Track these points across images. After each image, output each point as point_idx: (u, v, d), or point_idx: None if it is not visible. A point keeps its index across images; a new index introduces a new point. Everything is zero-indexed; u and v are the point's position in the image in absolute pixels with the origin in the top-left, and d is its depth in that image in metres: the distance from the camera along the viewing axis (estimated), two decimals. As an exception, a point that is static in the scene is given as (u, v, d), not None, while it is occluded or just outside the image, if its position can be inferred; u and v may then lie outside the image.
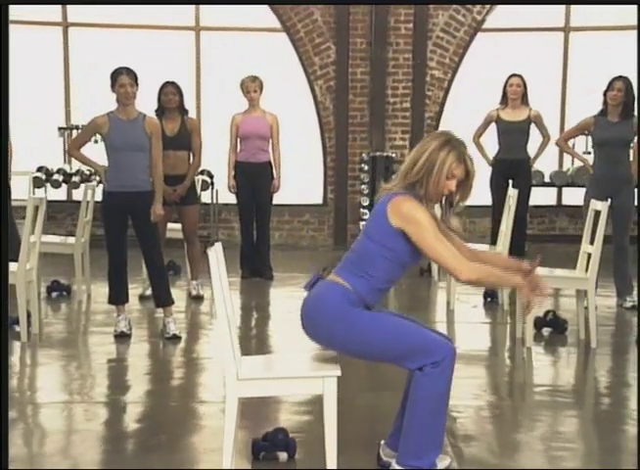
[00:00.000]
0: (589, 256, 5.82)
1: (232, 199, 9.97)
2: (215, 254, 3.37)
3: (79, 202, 7.79)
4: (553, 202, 10.65)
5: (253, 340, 6.28)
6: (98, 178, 9.18)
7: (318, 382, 3.33)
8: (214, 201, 10.10)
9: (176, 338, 5.98)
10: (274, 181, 8.17)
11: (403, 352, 3.37)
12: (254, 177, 8.10)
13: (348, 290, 3.41)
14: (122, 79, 5.81)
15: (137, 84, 5.91)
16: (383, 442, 3.66)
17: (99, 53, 10.17)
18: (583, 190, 9.94)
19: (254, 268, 8.31)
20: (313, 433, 3.89)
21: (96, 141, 6.24)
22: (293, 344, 6.09)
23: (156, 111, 7.11)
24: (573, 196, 10.48)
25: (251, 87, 7.98)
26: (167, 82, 7.21)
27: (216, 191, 10.05)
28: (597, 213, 5.88)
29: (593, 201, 6.08)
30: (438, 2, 10.19)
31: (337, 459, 3.41)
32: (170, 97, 7.11)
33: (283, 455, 3.73)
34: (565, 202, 10.67)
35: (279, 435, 3.74)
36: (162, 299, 6.05)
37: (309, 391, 3.42)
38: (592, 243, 5.80)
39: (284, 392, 3.43)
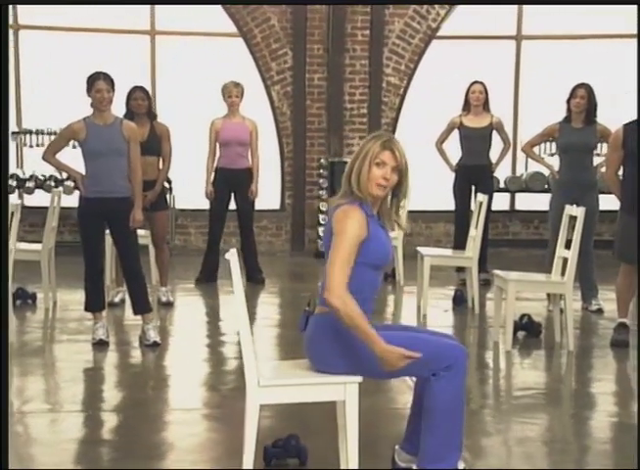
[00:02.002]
0: (565, 260, 5.95)
1: (189, 204, 10.00)
2: (234, 259, 3.35)
3: (33, 207, 7.72)
4: (507, 207, 10.83)
5: (232, 346, 6.23)
6: (73, 183, 9.02)
7: (340, 388, 3.33)
8: (172, 206, 9.98)
9: (156, 345, 5.90)
10: (252, 187, 8.15)
11: (417, 363, 3.36)
12: (235, 184, 8.10)
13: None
14: (99, 85, 5.72)
15: (114, 90, 5.83)
16: (397, 446, 3.67)
17: (51, 56, 10.00)
18: (537, 195, 10.29)
19: (213, 275, 8.28)
20: (325, 439, 3.89)
21: (73, 146, 6.14)
22: (271, 351, 6.14)
23: (124, 116, 7.00)
24: (527, 201, 10.72)
25: (234, 92, 7.97)
26: (136, 87, 7.13)
27: (174, 196, 9.95)
28: (571, 218, 6.02)
29: (568, 206, 6.20)
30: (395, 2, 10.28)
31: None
32: (140, 102, 7.04)
33: (294, 462, 3.72)
34: (518, 207, 10.86)
35: (291, 441, 3.73)
36: (141, 306, 5.97)
37: (331, 397, 3.40)
38: (567, 247, 5.93)
39: (305, 398, 3.41)
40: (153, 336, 5.91)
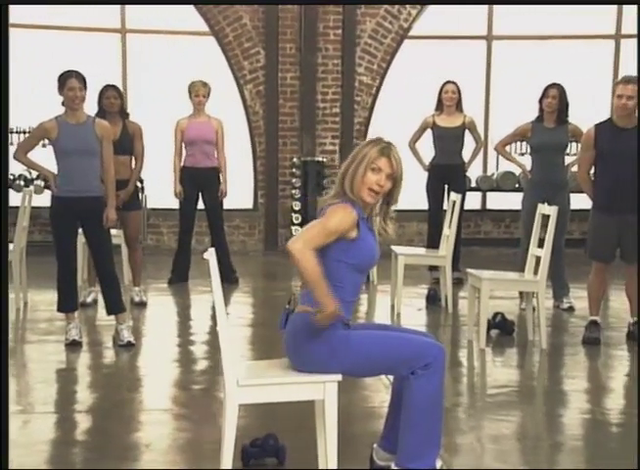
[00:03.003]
0: (537, 259, 5.99)
1: (161, 204, 9.94)
2: (212, 258, 3.34)
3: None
4: (478, 206, 10.88)
5: (202, 346, 6.21)
6: (44, 183, 8.93)
7: (319, 387, 3.33)
8: (144, 206, 9.93)
9: (131, 345, 5.87)
10: (221, 186, 8.13)
11: (396, 362, 3.39)
12: (202, 183, 8.08)
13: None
14: (72, 83, 5.67)
15: (86, 88, 5.78)
16: (375, 445, 3.67)
17: (22, 55, 9.89)
18: (508, 194, 10.36)
19: (184, 275, 8.26)
20: (303, 438, 3.89)
21: (44, 145, 6.08)
22: (243, 350, 6.12)
23: (96, 115, 6.93)
24: (498, 200, 10.79)
25: (201, 91, 7.95)
26: (108, 85, 7.08)
27: (145, 196, 9.90)
28: (544, 217, 6.07)
29: (540, 205, 6.25)
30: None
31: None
32: (112, 101, 6.99)
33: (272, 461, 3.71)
34: (489, 206, 10.92)
35: (269, 440, 3.72)
36: (115, 306, 5.93)
37: (310, 396, 3.40)
38: (540, 246, 5.97)
39: (284, 397, 3.41)
40: (127, 336, 5.87)
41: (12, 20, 9.91)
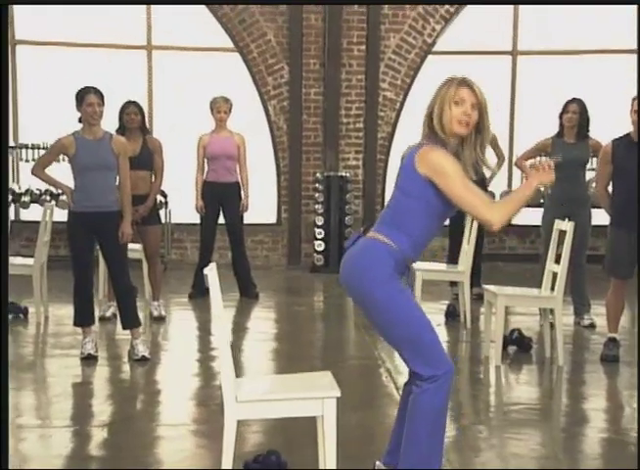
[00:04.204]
0: (554, 274, 5.93)
1: (185, 219, 10.00)
2: (212, 274, 3.35)
3: (28, 222, 7.74)
4: (502, 221, 10.79)
5: (218, 361, 6.19)
6: (54, 202, 9.06)
7: (317, 403, 3.32)
8: (168, 220, 10.02)
9: (145, 360, 5.90)
10: (242, 201, 8.17)
11: (415, 344, 3.39)
12: (223, 198, 8.12)
13: (391, 247, 3.41)
14: (90, 98, 5.74)
15: (104, 104, 5.85)
16: (378, 462, 3.66)
17: (48, 72, 10.04)
18: (532, 210, 10.27)
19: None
20: (306, 455, 3.88)
21: (62, 160, 6.15)
22: (262, 365, 6.12)
23: (117, 130, 7.03)
24: (523, 216, 10.68)
25: (223, 108, 8.01)
26: (129, 102, 7.15)
27: (170, 211, 9.99)
28: (561, 233, 6.01)
29: (557, 220, 6.19)
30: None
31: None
32: (132, 117, 7.06)
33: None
34: (514, 221, 10.80)
35: (271, 457, 3.72)
36: (130, 320, 5.97)
37: (309, 412, 3.40)
38: (557, 262, 5.91)
39: (283, 414, 3.41)
40: (141, 350, 5.91)
41: (40, 37, 10.14)
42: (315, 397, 3.33)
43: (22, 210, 10.02)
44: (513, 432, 4.63)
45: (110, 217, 5.83)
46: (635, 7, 9.80)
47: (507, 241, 10.76)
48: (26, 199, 9.68)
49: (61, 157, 6.12)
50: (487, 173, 8.31)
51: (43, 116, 10.06)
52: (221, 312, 3.43)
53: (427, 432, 3.37)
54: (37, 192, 9.69)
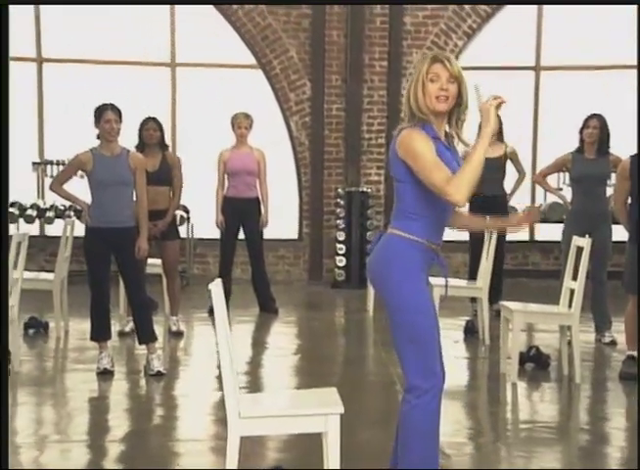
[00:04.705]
0: (572, 291, 5.88)
1: (208, 234, 10.04)
2: (217, 290, 3.36)
3: (53, 237, 7.81)
4: (526, 237, 10.76)
5: (241, 377, 6.21)
6: (75, 215, 9.14)
7: (321, 420, 3.32)
8: (190, 235, 10.08)
9: (160, 375, 5.92)
10: (262, 217, 8.20)
11: (415, 346, 3.39)
12: (243, 213, 8.16)
13: (407, 238, 3.41)
14: (108, 115, 5.80)
15: (121, 121, 5.91)
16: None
17: (74, 89, 10.15)
18: (556, 226, 10.20)
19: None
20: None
21: (81, 176, 6.21)
22: (281, 381, 6.11)
23: (136, 146, 7.09)
24: (546, 231, 10.64)
25: (244, 123, 8.06)
26: (148, 118, 7.22)
27: (192, 226, 10.04)
28: (579, 249, 5.96)
29: (575, 237, 6.15)
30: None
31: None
32: (151, 132, 7.12)
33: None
34: (537, 237, 10.78)
35: (277, 473, 3.71)
36: (146, 335, 6.00)
37: (312, 429, 3.39)
38: (574, 279, 5.86)
39: (286, 430, 3.41)
40: (157, 366, 5.93)
41: (66, 55, 10.26)
42: (319, 413, 3.32)
43: (46, 225, 10.11)
44: (530, 450, 4.59)
45: (126, 233, 5.87)
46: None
47: (530, 257, 10.69)
48: (51, 214, 9.78)
49: (79, 173, 6.16)
50: (507, 190, 8.36)
51: (68, 132, 10.17)
52: (226, 328, 3.41)
53: (420, 443, 3.38)
54: (62, 207, 9.79)
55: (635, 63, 10.25)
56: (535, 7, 10.50)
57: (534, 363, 6.27)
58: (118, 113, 5.87)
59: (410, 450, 3.41)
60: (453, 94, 3.39)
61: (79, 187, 6.30)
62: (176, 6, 10.32)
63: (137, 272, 5.95)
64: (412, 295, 3.41)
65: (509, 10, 10.46)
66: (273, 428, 3.38)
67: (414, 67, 3.48)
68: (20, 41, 10.22)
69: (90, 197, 5.94)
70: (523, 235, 10.69)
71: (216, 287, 3.37)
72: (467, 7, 10.42)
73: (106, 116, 5.79)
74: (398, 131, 3.45)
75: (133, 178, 5.90)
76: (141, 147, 7.11)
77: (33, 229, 10.19)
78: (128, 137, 7.07)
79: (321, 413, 3.32)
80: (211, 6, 10.23)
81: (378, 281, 3.50)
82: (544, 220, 10.33)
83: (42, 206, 9.89)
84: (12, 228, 9.47)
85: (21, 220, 9.78)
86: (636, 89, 8.92)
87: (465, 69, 10.53)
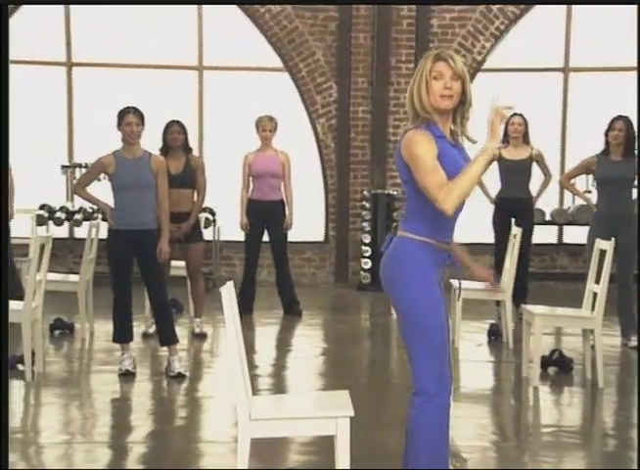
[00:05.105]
0: (595, 294, 5.82)
1: (234, 236, 10.07)
2: (228, 292, 3.37)
3: (81, 239, 7.88)
4: (554, 240, 10.67)
5: (264, 379, 6.24)
6: (101, 216, 9.22)
7: (331, 422, 3.31)
8: (216, 238, 10.13)
9: (181, 376, 5.95)
10: (286, 219, 8.22)
11: (424, 346, 3.38)
12: (267, 216, 8.19)
13: (416, 239, 3.41)
14: (129, 118, 5.86)
15: (143, 124, 5.95)
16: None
17: (102, 92, 10.24)
18: (585, 228, 10.10)
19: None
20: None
21: (104, 178, 6.26)
22: (304, 383, 6.11)
23: (160, 149, 7.14)
24: (575, 234, 10.53)
25: (268, 126, 8.09)
26: (172, 121, 7.26)
27: (218, 228, 10.09)
28: (602, 252, 5.90)
29: (598, 240, 6.09)
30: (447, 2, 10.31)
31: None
32: (175, 136, 7.16)
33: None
34: (566, 240, 10.69)
35: (290, 475, 3.72)
36: (167, 337, 6.03)
37: (322, 431, 3.39)
38: (597, 282, 5.80)
39: (296, 432, 3.42)
40: (177, 367, 5.96)
41: (95, 59, 10.37)
42: (328, 416, 3.32)
43: (75, 227, 10.21)
44: (553, 455, 4.57)
45: (148, 235, 5.91)
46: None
47: (558, 260, 10.60)
48: (79, 217, 9.87)
49: (102, 175, 6.21)
50: (533, 192, 8.29)
51: (97, 136, 10.26)
52: (238, 330, 3.42)
53: (428, 449, 3.37)
54: (90, 210, 9.87)
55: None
56: (564, 8, 10.40)
57: (558, 367, 6.22)
58: (140, 116, 5.92)
59: (419, 454, 3.40)
60: (457, 92, 3.38)
61: (103, 190, 6.36)
62: (204, 10, 10.37)
63: (158, 274, 5.99)
64: (423, 296, 3.39)
65: (537, 11, 10.39)
66: (283, 430, 3.39)
67: (417, 67, 3.47)
68: (50, 46, 10.37)
69: (113, 199, 5.99)
70: (550, 237, 10.63)
71: (227, 289, 3.37)
72: (495, 9, 10.36)
73: (127, 119, 5.84)
74: (403, 132, 3.44)
75: (155, 181, 5.94)
76: (165, 150, 7.16)
77: (62, 232, 10.32)
78: (150, 140, 7.15)
79: (331, 416, 3.31)
80: (239, 9, 10.27)
81: (389, 283, 3.49)
82: (572, 223, 10.26)
83: (71, 208, 9.99)
84: (41, 230, 9.60)
85: (50, 223, 9.87)
86: (636, 90, 8.81)
87: (493, 70, 10.56)
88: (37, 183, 9.99)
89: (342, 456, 3.32)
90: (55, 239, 9.86)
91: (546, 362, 6.12)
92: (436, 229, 3.43)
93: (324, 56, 10.35)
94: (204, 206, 9.52)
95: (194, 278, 7.40)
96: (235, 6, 10.25)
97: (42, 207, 9.92)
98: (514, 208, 8.18)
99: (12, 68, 10.28)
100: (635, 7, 9.57)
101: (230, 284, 3.47)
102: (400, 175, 3.50)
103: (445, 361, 3.46)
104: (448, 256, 3.50)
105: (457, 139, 3.49)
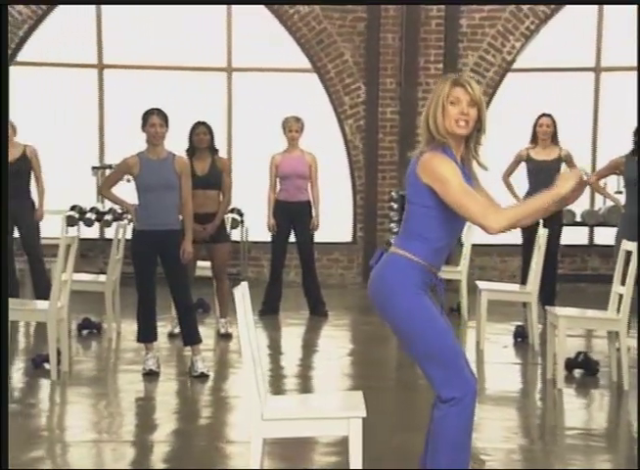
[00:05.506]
0: (621, 296, 5.76)
1: (262, 237, 10.10)
2: (241, 292, 3.38)
3: (111, 240, 7.96)
4: (585, 241, 10.56)
5: (291, 379, 6.25)
6: (129, 217, 9.29)
7: (343, 423, 3.31)
8: (244, 239, 10.16)
9: (204, 376, 5.98)
10: (313, 220, 8.23)
11: (436, 361, 3.37)
12: (294, 216, 8.21)
13: (409, 259, 3.41)
14: (153, 119, 5.90)
15: (167, 125, 5.99)
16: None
17: (133, 94, 10.32)
18: (614, 230, 9.99)
19: (275, 307, 8.34)
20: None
21: (128, 180, 6.31)
22: (330, 384, 6.11)
23: (187, 150, 7.19)
24: (606, 235, 10.41)
25: (294, 127, 8.11)
26: (199, 122, 7.30)
27: (246, 229, 10.12)
28: (628, 254, 5.83)
29: (624, 241, 6.02)
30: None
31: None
32: (201, 137, 7.20)
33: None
34: (597, 241, 10.57)
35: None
36: (190, 337, 6.06)
37: (334, 432, 3.40)
38: (623, 283, 5.73)
39: (309, 433, 3.42)
40: (200, 367, 5.99)
41: (126, 61, 10.46)
42: (341, 416, 3.32)
43: (105, 228, 10.30)
44: (578, 458, 4.53)
45: (171, 236, 5.95)
46: None
47: (589, 261, 10.49)
48: (109, 217, 9.95)
49: (126, 177, 6.27)
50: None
51: (128, 137, 10.34)
52: (251, 329, 3.43)
53: (450, 456, 3.35)
54: (120, 211, 9.95)
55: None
56: (596, 7, 10.30)
57: (583, 369, 6.16)
58: (164, 117, 5.96)
59: (441, 454, 3.39)
60: (473, 118, 3.38)
61: (128, 190, 6.42)
62: (233, 11, 10.42)
63: (182, 275, 6.02)
64: (416, 308, 3.39)
65: (568, 10, 10.29)
66: (295, 430, 3.39)
67: (434, 90, 3.47)
68: (81, 48, 10.48)
69: (137, 200, 6.04)
70: (581, 238, 10.52)
71: (241, 290, 3.38)
72: (525, 8, 10.28)
73: (151, 120, 5.89)
74: (419, 154, 3.43)
75: (178, 182, 5.97)
76: (191, 151, 7.20)
77: (93, 232, 10.42)
78: (183, 141, 7.21)
79: (343, 417, 3.31)
80: (267, 11, 10.30)
81: (379, 302, 3.48)
82: (603, 224, 10.14)
83: (101, 209, 10.07)
84: (72, 231, 9.70)
85: (80, 224, 9.96)
86: (636, 90, 8.69)
87: (523, 70, 10.49)
88: (68, 184, 10.07)
89: (355, 457, 3.32)
90: (86, 240, 10.12)
91: (571, 365, 6.07)
92: (433, 253, 3.44)
93: (352, 57, 10.35)
94: (231, 207, 9.61)
95: (219, 278, 7.43)
96: (263, 7, 10.27)
97: (73, 207, 10.02)
98: (542, 208, 8.09)
99: (44, 70, 10.47)
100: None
101: (244, 285, 3.48)
102: (411, 197, 3.45)
103: (463, 365, 3.44)
104: (435, 278, 3.50)
105: (467, 164, 3.48)
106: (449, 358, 3.38)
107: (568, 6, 10.25)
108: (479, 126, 3.42)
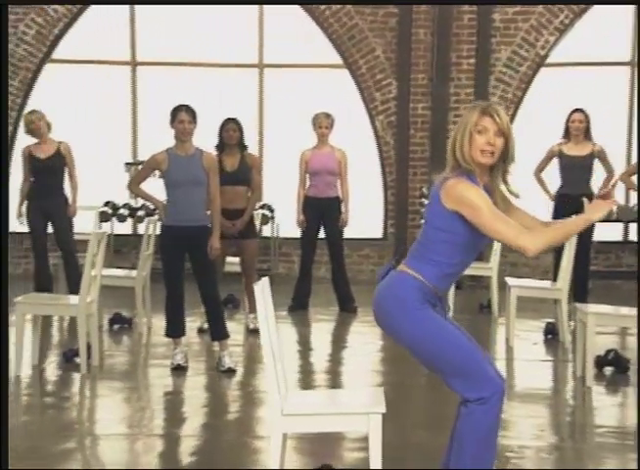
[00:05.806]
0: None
1: (293, 233, 10.12)
2: (262, 288, 3.39)
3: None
4: (619, 237, 10.45)
5: (320, 375, 6.26)
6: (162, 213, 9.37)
7: (363, 419, 3.31)
8: (275, 234, 10.18)
9: (231, 371, 6.01)
10: (342, 216, 8.23)
11: (455, 369, 3.36)
12: (324, 213, 8.22)
13: (418, 279, 3.40)
14: (181, 116, 5.93)
15: (195, 122, 6.02)
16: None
17: (166, 90, 10.39)
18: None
19: (305, 302, 8.36)
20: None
21: (160, 176, 6.34)
22: (360, 380, 6.10)
23: (216, 146, 7.22)
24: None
25: (324, 123, 8.11)
26: (228, 119, 7.33)
27: (277, 225, 10.14)
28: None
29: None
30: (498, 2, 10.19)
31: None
32: (231, 133, 7.22)
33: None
34: (632, 237, 10.45)
35: (326, 471, 3.73)
36: (218, 332, 6.10)
37: (354, 427, 3.40)
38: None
39: (328, 428, 3.41)
40: (228, 362, 6.02)
41: (159, 58, 10.53)
42: (360, 412, 3.32)
43: (137, 224, 10.38)
44: (608, 456, 4.49)
45: (199, 232, 5.98)
46: None
47: (624, 258, 10.36)
48: (141, 213, 10.03)
49: (155, 173, 6.31)
50: (595, 189, 8.13)
51: (161, 133, 10.40)
52: (271, 324, 3.44)
53: (475, 455, 3.33)
54: (152, 207, 10.02)
55: None
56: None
57: (614, 367, 6.09)
58: (193, 114, 5.99)
59: (466, 453, 3.37)
60: (499, 148, 3.37)
61: (156, 186, 6.47)
62: (265, 8, 10.44)
63: (209, 271, 6.05)
64: (424, 320, 3.39)
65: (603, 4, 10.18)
66: (315, 426, 3.39)
67: (462, 117, 3.46)
68: (115, 45, 10.57)
69: (165, 196, 6.08)
70: (616, 235, 10.40)
71: (262, 286, 3.39)
72: (559, 1, 10.19)
73: (180, 116, 5.92)
74: (443, 180, 3.41)
75: (206, 178, 6.00)
76: (221, 147, 7.23)
77: (126, 228, 10.51)
78: (205, 137, 7.23)
79: (362, 412, 3.31)
80: (299, 7, 10.30)
81: (384, 320, 3.49)
82: (636, 220, 10.02)
83: (134, 205, 10.16)
84: (105, 227, 9.79)
85: (113, 219, 10.06)
86: (636, 87, 8.56)
87: (556, 65, 10.41)
88: (102, 180, 10.17)
89: (375, 453, 3.32)
90: (119, 235, 10.21)
91: (602, 362, 6.02)
92: (442, 278, 3.44)
93: (384, 52, 10.32)
94: (262, 203, 9.65)
95: (248, 274, 7.46)
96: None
97: (106, 203, 10.12)
98: (575, 204, 8.00)
99: (79, 67, 10.57)
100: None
101: (265, 280, 3.49)
102: (433, 222, 3.43)
103: (485, 367, 3.41)
104: (439, 300, 3.49)
105: (491, 192, 3.46)
106: (468, 364, 3.36)
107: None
108: (505, 156, 3.40)
